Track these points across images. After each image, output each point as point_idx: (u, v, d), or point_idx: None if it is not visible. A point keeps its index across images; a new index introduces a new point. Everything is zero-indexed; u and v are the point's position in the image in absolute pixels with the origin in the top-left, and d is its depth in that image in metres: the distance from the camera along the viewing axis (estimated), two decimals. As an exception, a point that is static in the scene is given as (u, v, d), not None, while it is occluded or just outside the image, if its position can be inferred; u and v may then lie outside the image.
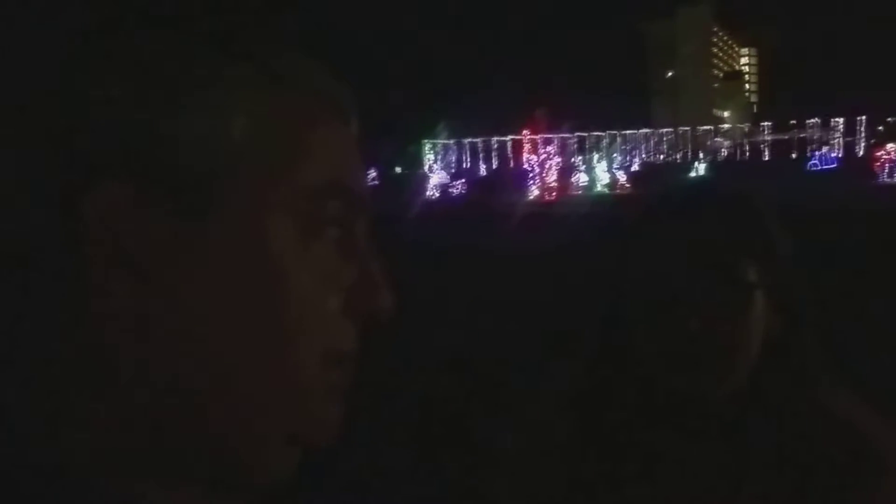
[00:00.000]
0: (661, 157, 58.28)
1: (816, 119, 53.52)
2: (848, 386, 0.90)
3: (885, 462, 0.84)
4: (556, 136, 50.88)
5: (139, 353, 0.37)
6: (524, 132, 51.27)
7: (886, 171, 33.84)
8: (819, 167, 46.23)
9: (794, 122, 57.19)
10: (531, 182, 35.96)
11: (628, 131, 57.92)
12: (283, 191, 0.39)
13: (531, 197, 34.15)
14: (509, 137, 55.16)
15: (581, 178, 38.52)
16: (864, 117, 52.10)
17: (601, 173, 39.17)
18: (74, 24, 0.38)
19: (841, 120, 52.14)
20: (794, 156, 53.73)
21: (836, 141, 51.09)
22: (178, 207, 0.37)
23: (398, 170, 54.04)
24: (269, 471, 0.40)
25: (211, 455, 0.39)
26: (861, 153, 48.50)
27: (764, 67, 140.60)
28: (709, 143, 60.00)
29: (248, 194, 0.38)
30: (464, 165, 54.77)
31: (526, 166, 39.55)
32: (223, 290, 0.38)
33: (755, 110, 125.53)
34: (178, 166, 0.37)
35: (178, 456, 0.38)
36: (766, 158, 57.00)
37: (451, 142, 55.73)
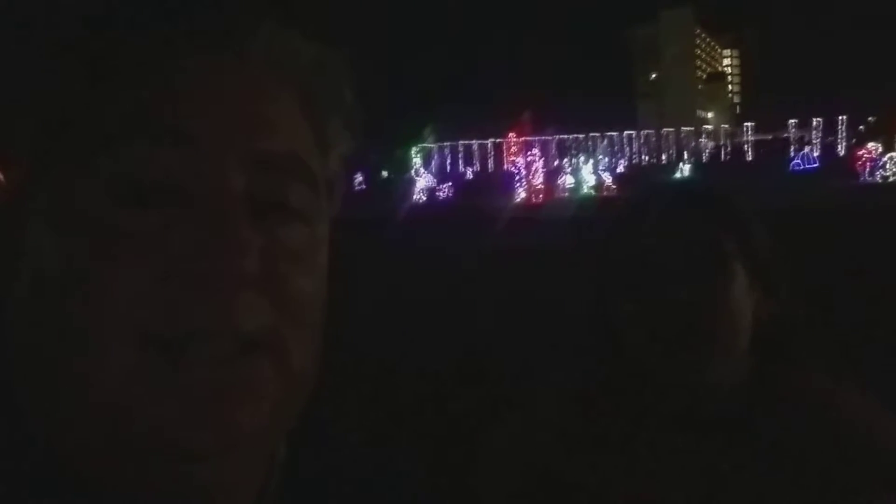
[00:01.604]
0: (647, 158, 58.67)
1: (798, 119, 54.14)
2: (838, 379, 0.92)
3: (881, 450, 0.83)
4: (541, 138, 51.08)
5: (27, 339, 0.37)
6: (510, 135, 51.43)
7: (868, 170, 34.28)
8: (802, 167, 46.72)
9: (776, 122, 57.80)
10: (518, 185, 36.06)
11: (614, 133, 58.26)
12: (98, 156, 0.36)
13: (518, 199, 34.24)
14: (496, 140, 55.29)
15: (567, 181, 38.67)
16: (845, 117, 52.75)
17: (587, 175, 39.34)
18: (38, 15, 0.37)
19: (822, 120, 52.76)
20: (777, 156, 54.27)
21: (818, 141, 51.66)
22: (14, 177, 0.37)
23: (385, 174, 54.00)
24: (184, 472, 0.37)
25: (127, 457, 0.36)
26: (843, 153, 49.08)
27: (746, 69, 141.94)
28: (693, 143, 60.46)
29: (66, 163, 0.37)
30: (451, 169, 54.83)
31: (512, 169, 39.68)
32: (43, 265, 0.36)
33: (738, 111, 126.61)
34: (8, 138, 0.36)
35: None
36: (750, 159, 57.56)
37: (438, 145, 55.80)
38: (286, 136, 0.40)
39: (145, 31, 0.38)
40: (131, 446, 0.35)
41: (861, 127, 58.08)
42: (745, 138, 60.26)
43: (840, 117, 52.83)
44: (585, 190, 37.51)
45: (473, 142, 56.36)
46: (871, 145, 36.14)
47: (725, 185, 0.99)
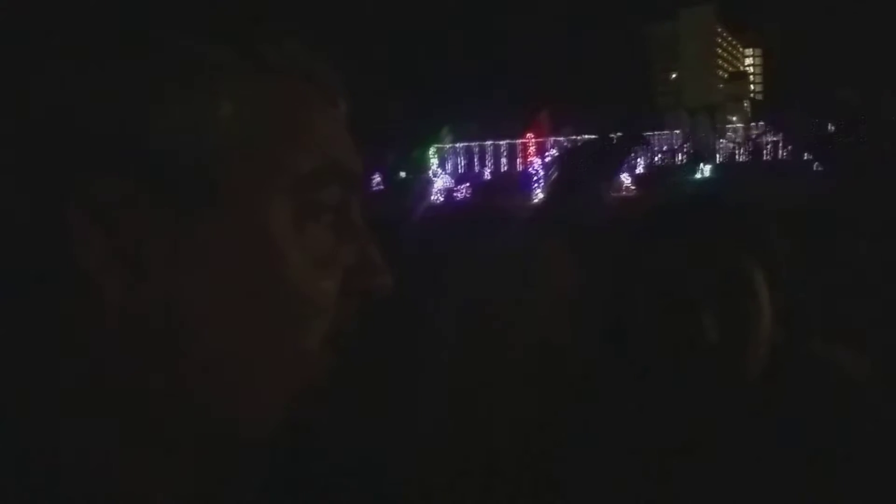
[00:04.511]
0: (666, 158, 58.20)
1: (820, 119, 53.31)
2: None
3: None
4: (560, 139, 50.86)
5: (137, 346, 0.37)
6: (528, 135, 51.27)
7: (892, 170, 33.62)
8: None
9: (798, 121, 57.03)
10: (536, 185, 35.93)
11: (633, 134, 57.80)
12: (280, 178, 0.39)
13: (536, 200, 34.13)
14: (514, 141, 55.14)
15: (586, 181, 38.36)
16: (867, 116, 51.87)
17: (606, 176, 38.98)
18: (65, 22, 0.37)
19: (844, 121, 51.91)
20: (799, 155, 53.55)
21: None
22: (173, 200, 0.37)
23: (403, 175, 54.14)
24: (259, 436, 0.41)
25: (209, 437, 0.39)
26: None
27: (769, 68, 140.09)
28: (714, 144, 59.88)
29: (245, 183, 0.38)
30: (468, 169, 54.78)
31: (530, 170, 39.56)
32: (223, 280, 0.37)
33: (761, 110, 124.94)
34: (170, 159, 0.36)
35: (176, 443, 0.38)
36: (771, 158, 56.87)
37: (456, 146, 55.79)
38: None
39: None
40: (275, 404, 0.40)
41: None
42: (766, 138, 59.51)
43: (862, 116, 51.94)
44: (604, 190, 37.19)
45: (491, 142, 56.28)
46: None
47: (747, 194, 0.98)
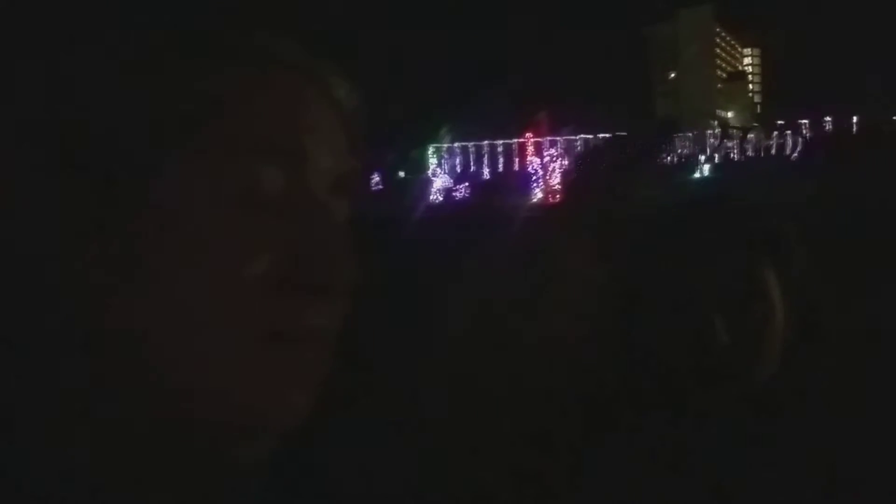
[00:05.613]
0: (666, 158, 58.31)
1: (821, 120, 53.41)
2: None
3: None
4: (559, 138, 50.89)
5: (110, 348, 0.36)
6: (527, 135, 51.28)
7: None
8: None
9: (799, 122, 57.20)
10: (535, 185, 35.94)
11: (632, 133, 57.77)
12: (212, 162, 0.37)
13: (535, 199, 34.11)
14: (513, 140, 55.14)
15: (585, 181, 38.35)
16: (866, 117, 51.93)
17: (605, 175, 38.99)
18: (48, 21, 0.37)
19: (836, 119, 52.00)
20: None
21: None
22: (112, 199, 0.36)
23: (402, 174, 54.12)
24: (234, 454, 0.39)
25: (204, 440, 0.38)
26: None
27: (767, 68, 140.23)
28: (712, 144, 59.94)
29: (175, 170, 0.37)
30: (467, 169, 54.75)
31: (530, 169, 39.58)
32: (156, 274, 0.36)
33: (759, 111, 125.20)
34: (101, 149, 0.36)
35: (169, 443, 0.37)
36: (770, 159, 56.92)
37: (455, 146, 55.77)
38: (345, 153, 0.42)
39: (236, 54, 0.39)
40: (206, 424, 0.37)
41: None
42: (765, 138, 59.60)
43: (860, 117, 52.02)
44: (603, 190, 37.14)
45: (488, 142, 56.24)
46: None
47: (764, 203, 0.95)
